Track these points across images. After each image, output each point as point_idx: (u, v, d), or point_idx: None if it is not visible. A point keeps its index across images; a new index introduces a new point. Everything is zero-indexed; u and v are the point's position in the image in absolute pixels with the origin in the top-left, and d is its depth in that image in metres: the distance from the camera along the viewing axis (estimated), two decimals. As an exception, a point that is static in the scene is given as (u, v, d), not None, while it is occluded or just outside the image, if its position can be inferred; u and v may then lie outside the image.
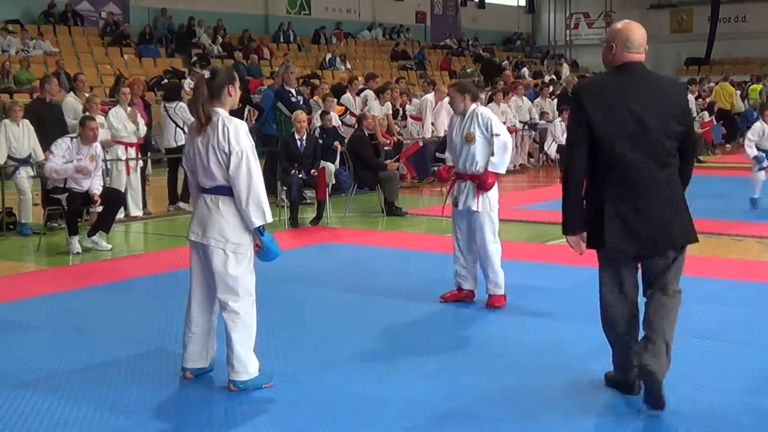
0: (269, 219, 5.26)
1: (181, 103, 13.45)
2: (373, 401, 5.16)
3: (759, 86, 26.55)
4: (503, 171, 7.35)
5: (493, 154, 7.31)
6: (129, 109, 12.54)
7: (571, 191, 4.87)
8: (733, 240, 10.33)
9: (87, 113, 11.25)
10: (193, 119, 5.44)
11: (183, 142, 12.82)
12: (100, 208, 10.21)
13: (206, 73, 5.33)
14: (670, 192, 4.81)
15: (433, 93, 17.97)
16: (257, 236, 5.29)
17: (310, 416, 4.92)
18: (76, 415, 4.99)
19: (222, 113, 5.25)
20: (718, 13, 37.95)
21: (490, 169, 7.31)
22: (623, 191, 4.76)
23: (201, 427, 4.87)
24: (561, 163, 18.19)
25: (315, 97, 16.24)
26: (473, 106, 7.46)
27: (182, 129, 13.04)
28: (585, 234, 4.89)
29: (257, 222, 5.21)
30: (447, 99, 15.63)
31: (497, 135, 7.30)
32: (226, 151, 5.15)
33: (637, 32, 4.84)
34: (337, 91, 17.39)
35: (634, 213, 4.75)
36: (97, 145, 10.51)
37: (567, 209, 4.90)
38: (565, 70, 32.19)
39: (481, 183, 7.29)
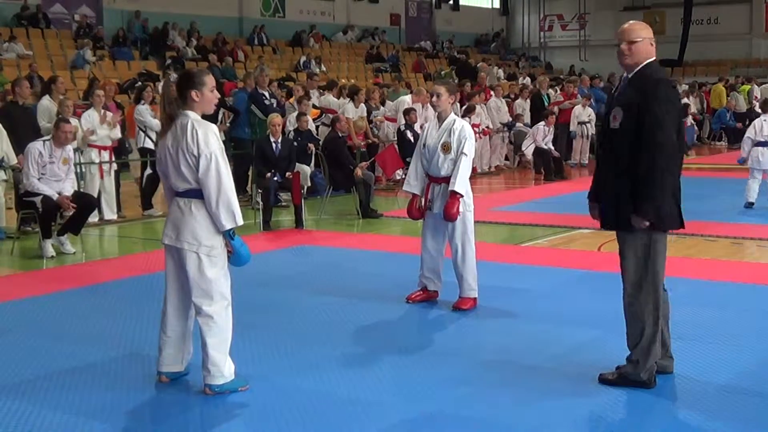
0: (240, 222, 5.25)
1: None
2: (348, 404, 5.16)
3: (747, 87, 27.12)
4: (464, 191, 7.25)
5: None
6: (109, 114, 12.50)
7: (669, 177, 5.14)
8: (706, 240, 10.41)
9: (60, 116, 11.17)
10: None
11: None
12: (71, 212, 10.15)
13: (173, 76, 5.33)
14: None
15: (409, 95, 17.95)
16: (227, 240, 5.29)
17: (286, 419, 4.92)
18: (51, 419, 4.96)
19: (192, 116, 5.25)
20: (690, 15, 38.20)
21: (452, 189, 7.20)
22: (677, 175, 5.26)
23: (177, 431, 4.87)
24: (538, 166, 18.26)
25: (290, 100, 16.23)
26: (453, 115, 7.49)
27: None
28: None
29: (227, 225, 5.21)
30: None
31: (465, 154, 7.27)
32: (195, 154, 5.15)
33: None
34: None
35: (679, 193, 5.29)
36: (70, 148, 10.46)
37: (665, 196, 5.15)
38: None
39: (447, 212, 7.22)
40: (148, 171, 13.16)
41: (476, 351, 6.22)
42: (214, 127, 5.31)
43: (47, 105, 12.36)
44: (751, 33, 39.62)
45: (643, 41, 5.26)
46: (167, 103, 5.27)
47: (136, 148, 13.76)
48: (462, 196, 7.23)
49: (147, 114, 13.35)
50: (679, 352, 5.86)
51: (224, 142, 14.98)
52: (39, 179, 9.96)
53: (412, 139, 15.05)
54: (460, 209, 7.26)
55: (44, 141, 10.16)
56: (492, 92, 20.66)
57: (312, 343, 6.40)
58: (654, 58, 5.29)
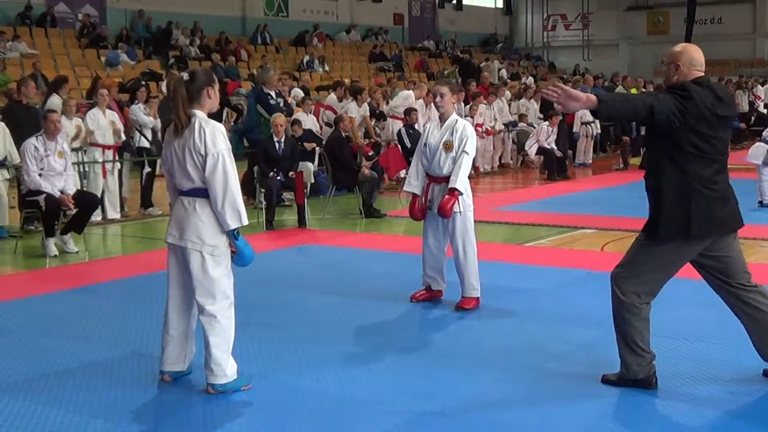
0: (245, 222, 5.25)
1: None
2: (351, 403, 5.17)
3: None
4: (463, 189, 7.27)
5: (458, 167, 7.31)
6: (108, 113, 12.50)
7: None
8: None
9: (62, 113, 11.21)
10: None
11: None
12: (74, 211, 10.16)
13: (185, 75, 5.33)
14: None
15: (411, 91, 17.92)
16: (231, 240, 5.29)
17: (289, 419, 4.92)
18: (54, 418, 4.97)
19: (200, 115, 5.24)
20: (694, 14, 38.18)
21: (451, 186, 7.23)
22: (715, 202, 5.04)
23: (179, 430, 4.87)
24: (542, 165, 18.26)
25: (290, 99, 16.22)
26: (455, 115, 7.51)
27: None
28: None
29: (233, 224, 5.21)
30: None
31: (466, 153, 7.30)
32: (202, 153, 5.14)
33: (699, 52, 5.15)
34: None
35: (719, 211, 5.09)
36: (64, 142, 10.47)
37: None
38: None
39: (441, 208, 7.24)
40: (147, 169, 13.19)
41: (478, 351, 6.22)
42: (221, 126, 5.31)
43: (58, 104, 12.35)
44: (755, 33, 39.62)
45: (670, 66, 5.16)
46: (183, 102, 5.23)
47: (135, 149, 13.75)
48: (461, 193, 7.24)
49: (140, 112, 13.35)
50: (682, 352, 5.88)
51: (231, 141, 14.96)
52: (39, 175, 9.98)
53: (407, 141, 14.92)
54: (460, 208, 7.27)
55: (37, 136, 10.19)
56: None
57: (314, 343, 6.40)
58: (685, 80, 5.05)
